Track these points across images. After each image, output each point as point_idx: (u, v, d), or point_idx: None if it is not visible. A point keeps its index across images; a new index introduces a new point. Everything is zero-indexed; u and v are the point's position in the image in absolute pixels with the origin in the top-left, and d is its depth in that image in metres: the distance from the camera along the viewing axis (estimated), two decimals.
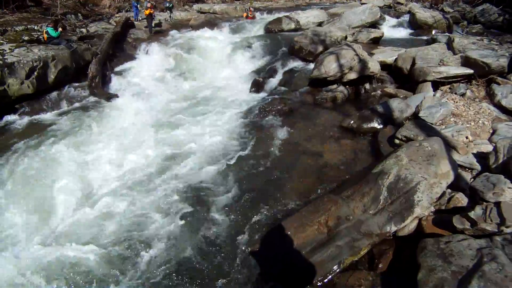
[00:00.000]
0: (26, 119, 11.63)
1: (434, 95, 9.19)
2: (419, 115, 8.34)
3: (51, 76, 12.84)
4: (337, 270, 5.15)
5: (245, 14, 25.67)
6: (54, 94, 12.85)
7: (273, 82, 12.37)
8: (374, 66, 10.39)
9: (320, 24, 19.43)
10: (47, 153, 9.24)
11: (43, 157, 9.05)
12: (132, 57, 15.93)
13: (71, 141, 9.85)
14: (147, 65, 15.21)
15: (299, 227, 5.62)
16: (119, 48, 16.64)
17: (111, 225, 6.98)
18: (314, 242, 5.43)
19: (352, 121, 8.76)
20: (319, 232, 5.52)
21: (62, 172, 8.53)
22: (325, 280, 5.09)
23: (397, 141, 7.66)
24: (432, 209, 5.76)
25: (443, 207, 5.82)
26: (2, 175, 8.55)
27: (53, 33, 13.73)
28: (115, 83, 13.92)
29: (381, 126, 8.48)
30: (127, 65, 15.19)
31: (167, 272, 5.81)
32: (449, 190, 5.95)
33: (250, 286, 5.48)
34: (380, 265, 5.27)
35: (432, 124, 7.98)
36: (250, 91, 12.16)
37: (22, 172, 8.60)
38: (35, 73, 12.27)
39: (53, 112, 12.14)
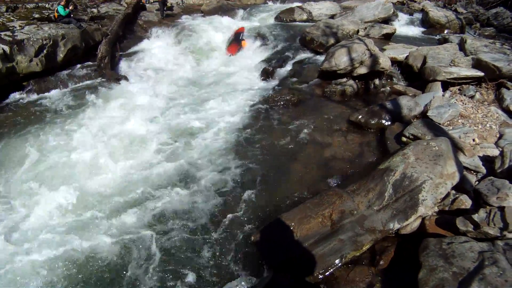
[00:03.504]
0: (33, 96, 11.80)
1: (443, 95, 9.16)
2: (427, 114, 8.31)
3: (60, 55, 12.93)
4: (339, 264, 5.17)
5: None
6: (63, 73, 12.94)
7: (283, 72, 12.34)
8: (384, 62, 10.33)
9: (332, 17, 19.30)
10: (54, 130, 9.37)
11: (51, 134, 9.24)
12: (142, 40, 15.92)
13: (77, 119, 9.99)
14: (157, 48, 15.22)
15: (303, 219, 5.64)
16: (130, 30, 16.64)
17: (124, 194, 7.31)
18: (317, 234, 5.46)
19: (360, 116, 8.71)
20: (322, 225, 5.54)
21: (73, 147, 8.80)
22: (326, 273, 5.11)
23: (404, 138, 7.63)
24: (436, 209, 5.74)
25: (446, 208, 5.81)
26: (12, 151, 8.75)
27: (62, 12, 13.72)
28: (124, 65, 13.98)
29: (389, 122, 8.43)
30: (136, 47, 15.25)
31: (164, 259, 5.89)
32: (453, 191, 5.94)
33: (251, 276, 5.52)
34: (382, 262, 5.25)
35: (439, 124, 7.94)
36: (260, 80, 12.12)
37: (33, 147, 8.85)
38: (44, 51, 12.35)
39: (61, 90, 12.26)
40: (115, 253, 6.04)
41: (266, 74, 12.23)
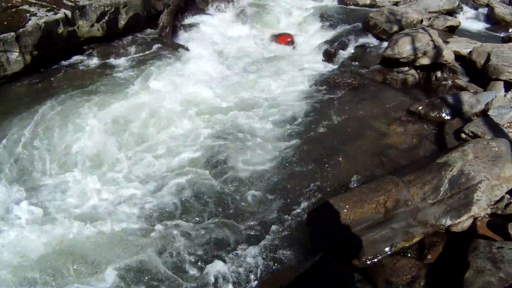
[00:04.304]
0: (94, 60, 12.02)
1: (505, 96, 8.91)
2: (488, 113, 8.11)
3: (122, 22, 13.09)
4: (388, 252, 5.17)
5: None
6: (124, 39, 13.17)
7: (345, 54, 12.18)
8: (448, 55, 10.12)
9: (396, 4, 18.86)
10: (114, 93, 9.89)
11: (112, 96, 9.70)
12: (204, 12, 15.85)
13: (137, 83, 10.32)
14: (219, 22, 15.21)
15: (358, 203, 5.62)
16: (191, 2, 16.55)
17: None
18: (370, 220, 5.45)
19: (421, 107, 8.58)
20: (376, 211, 5.53)
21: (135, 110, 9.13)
22: (374, 260, 5.12)
23: (463, 135, 7.47)
24: (489, 211, 5.62)
25: (499, 212, 5.69)
26: (72, 110, 9.16)
27: None
28: (185, 36, 14.03)
29: (449, 117, 8.29)
30: (198, 19, 15.19)
31: (216, 236, 5.99)
32: (508, 196, 5.79)
33: (300, 254, 5.60)
34: (429, 256, 5.24)
35: (499, 124, 7.78)
36: (322, 60, 12.06)
37: (93, 108, 9.23)
38: (106, 18, 12.52)
39: (120, 56, 12.44)
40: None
41: (328, 56, 12.12)
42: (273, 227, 6.03)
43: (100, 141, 8.21)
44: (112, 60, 12.11)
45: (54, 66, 11.79)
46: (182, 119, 8.84)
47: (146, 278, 5.41)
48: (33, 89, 10.70)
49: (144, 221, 6.30)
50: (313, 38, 13.97)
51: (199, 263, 5.59)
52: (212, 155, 7.68)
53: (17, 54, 11.16)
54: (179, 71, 11.13)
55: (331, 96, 9.62)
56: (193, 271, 5.49)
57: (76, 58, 12.01)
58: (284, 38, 14.03)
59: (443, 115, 8.38)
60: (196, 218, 6.29)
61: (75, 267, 5.56)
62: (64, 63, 11.83)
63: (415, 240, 5.35)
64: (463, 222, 5.49)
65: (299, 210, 6.28)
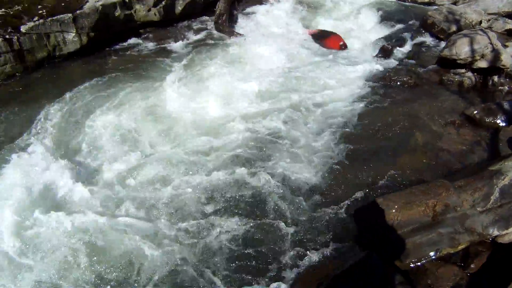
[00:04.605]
0: (149, 44, 12.48)
1: None
2: None
3: (179, 8, 13.40)
4: (432, 257, 5.12)
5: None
6: (180, 24, 13.56)
7: (401, 52, 12.04)
8: (506, 59, 9.84)
9: (455, 3, 18.53)
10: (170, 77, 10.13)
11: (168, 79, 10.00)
12: (261, 2, 15.78)
13: (193, 68, 10.58)
14: (276, 11, 15.11)
15: (407, 204, 5.55)
16: None
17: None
18: (417, 222, 5.38)
19: (476, 111, 8.38)
20: (424, 214, 5.45)
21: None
22: (418, 263, 5.09)
23: None
24: None
25: None
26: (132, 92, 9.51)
27: None
28: (242, 24, 14.19)
29: (504, 124, 8.08)
30: (255, 8, 15.19)
31: (257, 228, 6.08)
32: None
33: (344, 249, 5.63)
34: (473, 265, 5.18)
35: None
36: (377, 56, 11.91)
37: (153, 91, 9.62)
38: (163, 3, 12.91)
39: (176, 41, 12.78)
40: None
41: (384, 52, 11.95)
42: (318, 221, 6.10)
43: (146, 125, 8.59)
44: (167, 45, 12.41)
45: (110, 48, 12.16)
46: (229, 110, 9.02)
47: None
48: (87, 69, 11.07)
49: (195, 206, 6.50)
50: (370, 33, 13.80)
51: (241, 258, 5.67)
52: (259, 152, 7.72)
53: (73, 35, 11.53)
54: (232, 60, 11.24)
55: (385, 93, 9.52)
56: (235, 264, 5.59)
57: (131, 41, 12.39)
58: (336, 42, 13.04)
59: (498, 121, 8.17)
60: (242, 215, 6.34)
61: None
62: (119, 46, 12.22)
63: (460, 248, 5.26)
64: (510, 234, 5.36)
65: (346, 207, 6.28)
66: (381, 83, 9.97)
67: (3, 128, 8.68)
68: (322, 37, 13.29)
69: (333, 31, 13.52)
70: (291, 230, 6.00)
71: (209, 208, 6.47)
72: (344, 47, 12.82)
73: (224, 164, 7.33)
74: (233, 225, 6.10)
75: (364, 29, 14.23)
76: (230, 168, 7.17)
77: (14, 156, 7.35)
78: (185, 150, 7.72)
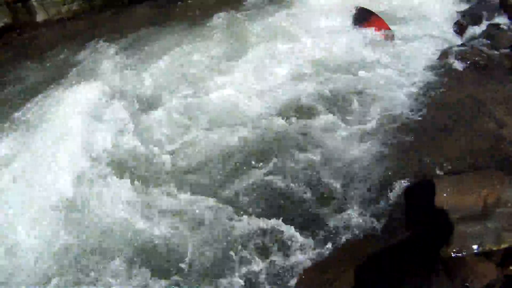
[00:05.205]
0: None
1: None
2: None
3: None
4: (474, 251, 4.91)
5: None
6: None
7: (476, 30, 11.52)
8: None
9: None
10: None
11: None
12: None
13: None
14: None
15: (458, 189, 5.33)
16: None
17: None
18: (466, 211, 5.17)
19: None
20: (474, 203, 5.21)
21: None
22: (458, 254, 4.89)
23: None
24: None
25: None
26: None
27: None
28: None
29: None
30: None
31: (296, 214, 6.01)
32: None
33: (390, 227, 5.58)
34: (511, 267, 4.93)
35: None
36: (451, 31, 11.48)
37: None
38: None
39: None
40: None
41: (459, 27, 11.52)
42: (368, 200, 6.07)
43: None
44: None
45: None
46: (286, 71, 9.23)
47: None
48: (154, 11, 11.27)
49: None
50: (446, 4, 13.18)
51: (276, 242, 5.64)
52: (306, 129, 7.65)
53: None
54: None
55: (453, 70, 9.06)
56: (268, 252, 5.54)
57: None
58: (379, 25, 10.83)
59: None
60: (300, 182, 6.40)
61: None
62: None
63: (503, 246, 4.97)
64: None
65: (398, 186, 6.12)
66: (450, 59, 9.44)
67: (67, 64, 9.09)
68: (365, 18, 11.31)
69: (374, 13, 11.42)
70: (339, 198, 6.07)
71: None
72: (390, 38, 10.70)
73: None
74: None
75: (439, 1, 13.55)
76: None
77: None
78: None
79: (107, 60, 9.35)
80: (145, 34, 10.16)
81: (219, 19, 11.28)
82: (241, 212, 5.95)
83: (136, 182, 6.52)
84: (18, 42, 12.15)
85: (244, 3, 12.27)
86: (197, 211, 6.02)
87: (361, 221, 5.67)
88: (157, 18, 11.01)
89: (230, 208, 5.99)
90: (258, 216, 5.86)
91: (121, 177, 6.60)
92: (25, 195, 6.32)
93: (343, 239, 5.47)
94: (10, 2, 12.04)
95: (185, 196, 6.29)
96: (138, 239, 5.71)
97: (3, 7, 12.00)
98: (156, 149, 7.21)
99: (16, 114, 8.36)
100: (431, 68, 9.19)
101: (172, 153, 7.22)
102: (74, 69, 9.55)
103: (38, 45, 11.70)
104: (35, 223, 5.94)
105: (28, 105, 8.55)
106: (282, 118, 7.78)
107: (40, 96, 8.75)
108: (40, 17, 12.61)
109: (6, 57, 11.30)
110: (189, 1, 11.94)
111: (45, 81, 9.52)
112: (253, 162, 6.94)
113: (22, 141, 7.46)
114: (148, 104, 8.28)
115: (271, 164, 6.82)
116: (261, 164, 6.88)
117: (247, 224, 5.73)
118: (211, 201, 6.13)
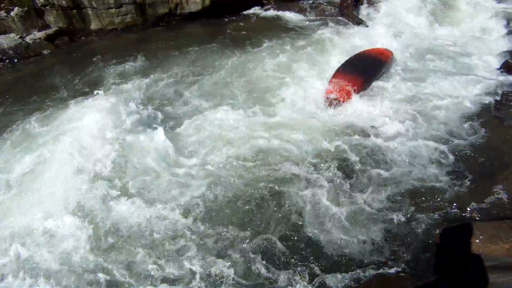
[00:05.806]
0: (270, 14, 13.38)
1: None
2: None
3: None
4: None
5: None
6: (304, 2, 14.12)
7: None
8: None
9: None
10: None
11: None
12: None
13: (311, 40, 11.48)
14: (402, 5, 14.65)
15: (492, 238, 5.30)
16: None
17: None
18: (497, 260, 5.13)
19: None
20: (507, 253, 5.16)
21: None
22: None
23: None
24: None
25: None
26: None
27: None
28: (366, 12, 14.11)
29: None
30: None
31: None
32: None
33: (418, 267, 5.52)
34: None
35: None
36: (499, 70, 10.96)
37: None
38: None
39: (299, 15, 13.43)
40: None
41: (508, 67, 10.97)
42: (400, 232, 6.07)
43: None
44: (287, 17, 12.68)
45: (231, 13, 12.43)
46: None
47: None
48: (206, 30, 11.43)
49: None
50: (493, 43, 13.02)
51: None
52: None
53: None
54: (350, 46, 11.28)
55: (498, 112, 8.84)
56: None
57: (253, 9, 12.63)
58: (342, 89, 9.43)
59: None
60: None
61: None
62: (240, 12, 12.42)
63: None
64: None
65: (433, 223, 6.13)
66: (496, 99, 9.27)
67: (117, 72, 9.42)
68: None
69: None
70: (364, 240, 6.01)
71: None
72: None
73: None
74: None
75: (489, 38, 13.46)
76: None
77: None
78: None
79: (153, 74, 9.77)
80: (195, 51, 10.37)
81: (269, 42, 11.46)
82: None
83: None
84: (69, 47, 12.80)
85: (292, 30, 12.41)
86: None
87: (388, 256, 5.72)
88: (207, 36, 11.18)
89: None
90: None
91: None
92: None
93: (377, 277, 5.44)
94: (66, 8, 12.75)
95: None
96: None
97: (58, 12, 12.75)
98: None
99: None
100: (477, 107, 9.07)
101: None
102: (118, 79, 10.13)
103: (88, 51, 12.25)
104: None
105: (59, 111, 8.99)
106: None
107: (73, 101, 9.23)
108: (94, 25, 13.27)
109: (55, 61, 11.90)
110: (240, 24, 12.16)
111: (84, 87, 10.14)
112: None
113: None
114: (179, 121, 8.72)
115: None
116: None
117: None
118: None
